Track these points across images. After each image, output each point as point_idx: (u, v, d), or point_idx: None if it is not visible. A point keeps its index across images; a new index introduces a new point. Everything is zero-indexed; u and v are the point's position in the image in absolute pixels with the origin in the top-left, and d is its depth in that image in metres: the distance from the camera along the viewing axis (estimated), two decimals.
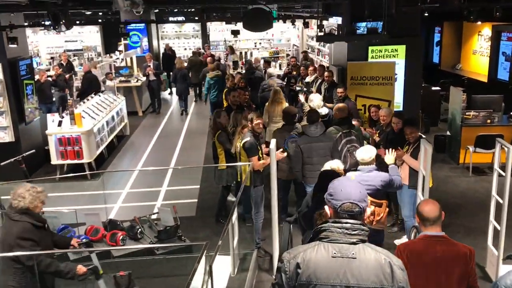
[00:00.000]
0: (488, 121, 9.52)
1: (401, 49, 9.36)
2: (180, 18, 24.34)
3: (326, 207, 2.37)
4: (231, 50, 18.45)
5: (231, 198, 7.76)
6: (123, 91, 14.27)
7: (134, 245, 5.79)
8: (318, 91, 9.94)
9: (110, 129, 10.98)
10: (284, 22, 25.08)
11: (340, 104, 7.42)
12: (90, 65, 15.03)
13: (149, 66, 14.55)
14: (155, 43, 20.41)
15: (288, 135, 6.72)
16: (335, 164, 4.94)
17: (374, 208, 5.02)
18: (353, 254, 2.19)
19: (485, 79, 14.06)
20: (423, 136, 6.33)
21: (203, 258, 4.05)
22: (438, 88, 12.78)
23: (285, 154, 6.20)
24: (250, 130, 6.27)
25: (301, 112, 8.21)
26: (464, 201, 8.15)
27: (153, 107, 15.37)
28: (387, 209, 5.31)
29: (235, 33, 12.99)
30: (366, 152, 5.26)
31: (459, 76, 15.26)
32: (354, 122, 7.41)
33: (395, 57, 9.39)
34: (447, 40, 16.73)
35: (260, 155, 6.25)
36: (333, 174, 4.36)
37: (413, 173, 6.13)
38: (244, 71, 13.00)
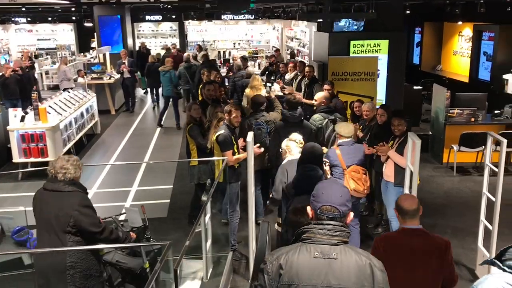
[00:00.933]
0: (472, 119, 9.25)
1: (384, 44, 9.04)
2: (157, 17, 23.78)
3: (308, 208, 2.41)
4: (199, 48, 17.95)
5: (205, 197, 7.28)
6: (96, 88, 13.67)
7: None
8: (299, 88, 9.55)
9: (79, 126, 10.38)
10: (262, 17, 24.85)
11: (325, 92, 7.48)
12: (61, 61, 14.43)
13: (124, 63, 13.97)
14: (130, 41, 19.82)
15: (255, 123, 6.67)
16: (294, 137, 5.07)
17: (365, 176, 5.60)
18: (334, 255, 2.22)
19: (466, 80, 13.90)
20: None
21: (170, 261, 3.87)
22: (419, 87, 12.52)
23: (262, 149, 5.75)
24: (226, 123, 5.80)
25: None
26: (449, 201, 7.83)
27: (127, 106, 14.78)
28: None
29: (209, 16, 12.75)
30: (346, 127, 5.79)
31: (439, 77, 15.08)
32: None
33: (378, 52, 9.06)
34: (427, 40, 16.57)
35: (235, 150, 5.79)
36: (314, 147, 4.35)
37: (399, 170, 5.75)
38: (230, 74, 12.53)
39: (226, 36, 25.50)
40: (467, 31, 14.67)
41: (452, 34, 15.70)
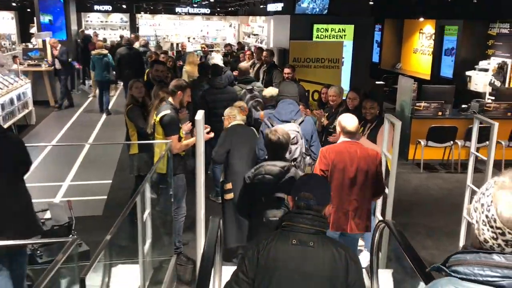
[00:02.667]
0: (440, 113, 8.70)
1: (349, 29, 8.36)
2: (106, 7, 22.42)
3: (289, 198, 2.65)
4: (135, 38, 16.69)
5: (149, 192, 6.33)
6: (34, 77, 12.34)
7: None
8: (257, 76, 8.73)
9: (7, 114, 9.15)
10: (218, 14, 23.97)
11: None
12: None
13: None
14: (75, 29, 18.22)
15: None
16: (239, 104, 5.24)
17: None
18: (311, 244, 2.26)
19: (427, 77, 13.51)
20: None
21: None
22: (382, 82, 11.99)
23: (212, 134, 4.85)
24: (169, 103, 4.87)
25: None
26: (419, 199, 7.20)
27: (68, 99, 13.45)
28: None
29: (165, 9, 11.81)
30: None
31: (400, 75, 14.68)
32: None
33: (342, 38, 8.36)
34: (387, 38, 16.18)
35: (182, 135, 4.86)
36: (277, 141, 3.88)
37: None
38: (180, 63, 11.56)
39: (180, 32, 24.46)
40: (429, 28, 14.34)
41: (412, 31, 15.37)
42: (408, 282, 4.46)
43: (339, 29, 8.31)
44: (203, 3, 21.90)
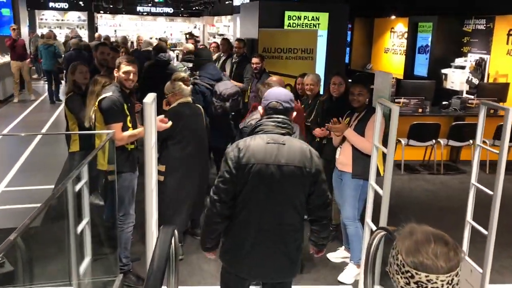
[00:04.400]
0: (420, 110, 8.08)
1: (323, 17, 7.64)
2: (63, 5, 21.15)
3: (260, 108, 2.88)
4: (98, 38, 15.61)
5: (94, 197, 5.41)
6: None
7: None
8: (222, 69, 7.88)
9: None
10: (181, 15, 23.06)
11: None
12: None
13: None
14: (25, 30, 16.44)
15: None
16: (179, 76, 4.68)
17: None
18: (283, 141, 2.67)
19: (400, 77, 12.97)
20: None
21: None
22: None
23: (170, 123, 3.98)
24: (115, 84, 3.95)
25: None
26: (402, 202, 6.49)
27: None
28: None
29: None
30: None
31: (371, 75, 14.12)
32: None
33: (316, 26, 7.63)
34: (357, 38, 15.62)
35: (129, 125, 3.94)
36: None
37: (359, 156, 4.25)
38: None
39: (142, 33, 23.39)
40: (400, 26, 13.86)
41: (383, 30, 14.87)
42: None
43: (313, 17, 7.58)
44: (167, 2, 20.94)
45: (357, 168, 4.26)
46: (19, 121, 10.33)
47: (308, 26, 7.62)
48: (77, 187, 3.57)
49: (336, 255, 4.71)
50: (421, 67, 12.10)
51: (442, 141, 7.63)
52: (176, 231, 2.67)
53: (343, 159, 4.35)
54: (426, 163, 8.07)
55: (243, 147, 2.65)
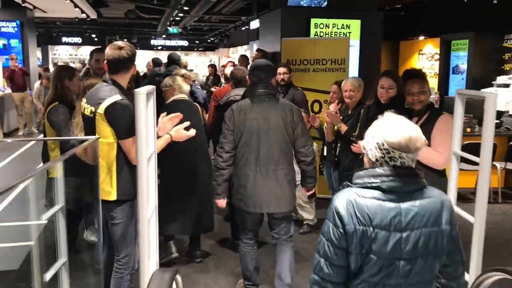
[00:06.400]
0: (468, 129, 7.00)
1: (355, 25, 6.72)
2: (76, 40, 20.81)
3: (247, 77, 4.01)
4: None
5: (89, 234, 4.49)
6: None
7: None
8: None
9: None
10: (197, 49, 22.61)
11: None
12: None
13: None
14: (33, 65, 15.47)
15: None
16: (180, 72, 4.95)
17: None
18: (267, 101, 3.34)
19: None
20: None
21: None
22: None
23: (194, 132, 3.03)
24: (112, 83, 2.97)
25: None
26: (461, 235, 5.36)
27: None
28: None
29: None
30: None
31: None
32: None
33: (346, 35, 6.71)
34: (383, 62, 14.72)
35: None
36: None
37: (423, 172, 3.19)
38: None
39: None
40: (429, 48, 12.94)
41: (410, 53, 13.98)
42: None
43: (343, 24, 6.67)
44: (182, 33, 20.47)
45: None
46: (21, 153, 9.51)
47: (338, 35, 6.72)
48: (46, 216, 2.64)
49: None
50: (457, 88, 11.07)
51: (499, 165, 6.53)
52: (178, 276, 1.70)
53: None
54: (473, 190, 6.92)
55: (235, 108, 3.37)
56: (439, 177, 3.19)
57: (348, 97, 4.37)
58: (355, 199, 1.76)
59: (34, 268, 2.49)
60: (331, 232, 1.78)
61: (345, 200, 1.77)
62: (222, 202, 3.47)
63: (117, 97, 2.81)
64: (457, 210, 2.78)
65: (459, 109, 2.79)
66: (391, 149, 1.75)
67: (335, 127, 4.42)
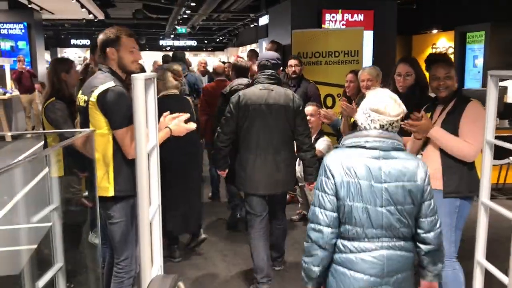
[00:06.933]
0: None
1: (368, 16, 6.44)
2: (85, 42, 20.72)
3: (255, 67, 4.40)
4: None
5: (94, 237, 4.29)
6: None
7: None
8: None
9: None
10: (205, 49, 22.44)
11: None
12: None
13: None
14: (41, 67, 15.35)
15: None
16: (172, 66, 4.53)
17: None
18: (271, 88, 3.56)
19: None
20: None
21: None
22: None
23: (194, 125, 2.79)
24: (107, 70, 2.77)
25: None
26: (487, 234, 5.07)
27: None
28: None
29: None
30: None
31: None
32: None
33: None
34: (396, 57, 14.43)
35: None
36: None
37: (451, 165, 2.95)
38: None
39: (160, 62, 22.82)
40: (443, 41, 12.62)
41: (423, 47, 13.65)
42: None
43: (355, 15, 6.40)
44: (190, 33, 20.29)
45: (450, 182, 2.96)
46: (28, 155, 9.37)
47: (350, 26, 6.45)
48: (38, 217, 2.43)
49: None
50: (473, 82, 10.75)
51: None
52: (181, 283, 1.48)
53: (430, 170, 3.03)
54: (501, 186, 6.63)
55: (242, 94, 3.57)
56: (469, 171, 2.93)
57: (365, 87, 4.13)
58: (343, 156, 2.11)
59: (25, 275, 2.27)
60: (324, 183, 2.12)
61: (334, 157, 2.13)
62: (223, 172, 3.80)
63: (110, 83, 2.60)
64: (494, 206, 2.50)
65: (492, 92, 2.51)
66: (371, 112, 2.11)
67: (351, 120, 4.17)
